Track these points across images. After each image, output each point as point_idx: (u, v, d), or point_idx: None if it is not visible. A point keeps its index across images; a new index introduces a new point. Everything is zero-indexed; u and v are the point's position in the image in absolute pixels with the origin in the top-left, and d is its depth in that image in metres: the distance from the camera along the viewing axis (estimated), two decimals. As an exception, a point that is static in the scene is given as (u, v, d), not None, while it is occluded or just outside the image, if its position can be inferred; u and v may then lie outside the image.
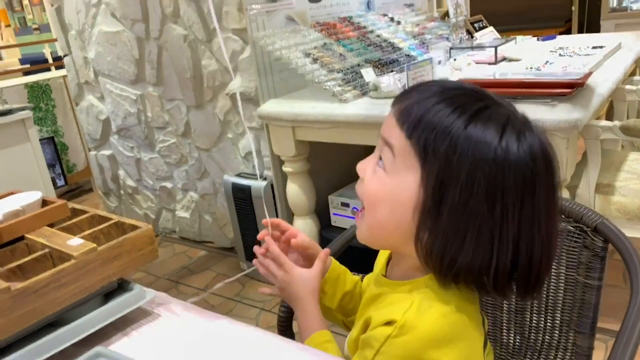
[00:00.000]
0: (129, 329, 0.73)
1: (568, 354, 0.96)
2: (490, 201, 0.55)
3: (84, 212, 0.80)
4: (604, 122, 1.52)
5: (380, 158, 0.61)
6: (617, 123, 1.51)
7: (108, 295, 0.76)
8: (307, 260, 0.84)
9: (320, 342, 0.75)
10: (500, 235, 0.56)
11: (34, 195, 0.79)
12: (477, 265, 0.57)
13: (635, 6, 3.67)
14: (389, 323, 0.59)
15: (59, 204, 0.77)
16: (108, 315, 0.71)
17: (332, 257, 0.88)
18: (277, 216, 2.18)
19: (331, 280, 0.85)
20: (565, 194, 1.55)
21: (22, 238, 0.73)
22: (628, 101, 1.95)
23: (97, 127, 2.87)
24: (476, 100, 0.58)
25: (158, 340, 0.70)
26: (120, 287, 0.77)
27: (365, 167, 0.64)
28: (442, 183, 0.56)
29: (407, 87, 0.64)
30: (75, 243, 0.67)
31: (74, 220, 0.77)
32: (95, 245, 0.67)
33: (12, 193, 0.83)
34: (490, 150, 0.54)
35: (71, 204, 0.83)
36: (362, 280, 0.90)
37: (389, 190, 0.60)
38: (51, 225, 0.75)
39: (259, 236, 0.84)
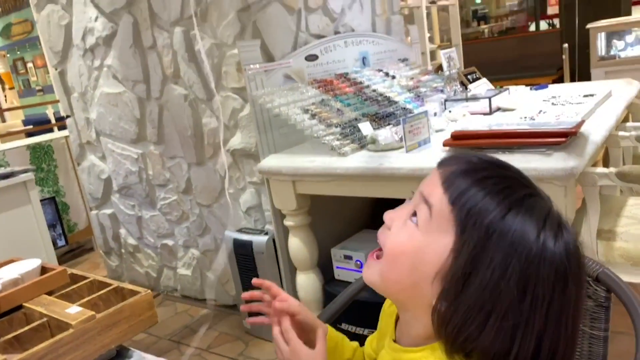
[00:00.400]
0: (127, 398, 0.72)
1: (580, 408, 0.93)
2: (522, 290, 0.55)
3: (84, 278, 0.80)
4: (600, 169, 1.54)
5: (414, 214, 0.62)
6: (613, 170, 1.52)
7: (107, 363, 0.74)
8: (297, 327, 0.79)
9: None
10: (526, 325, 0.55)
11: (33, 263, 0.79)
12: (495, 351, 0.56)
13: (622, 54, 3.79)
14: None
15: (58, 271, 0.77)
16: (106, 385, 0.69)
17: (328, 325, 0.86)
18: (279, 271, 2.16)
19: (330, 350, 0.82)
20: (567, 241, 1.54)
21: (20, 307, 0.72)
22: (622, 147, 1.97)
23: (99, 186, 2.89)
24: (523, 187, 0.60)
25: (157, 410, 0.68)
26: (119, 354, 0.76)
27: (394, 217, 0.65)
28: (476, 258, 0.56)
29: (450, 155, 0.66)
30: (73, 311, 0.67)
31: (73, 287, 0.77)
32: (93, 312, 0.67)
33: (12, 261, 0.83)
34: (529, 241, 0.55)
35: (70, 270, 0.83)
36: (361, 345, 0.89)
37: (417, 246, 0.60)
38: (50, 293, 0.75)
39: (242, 295, 0.83)
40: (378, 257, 0.66)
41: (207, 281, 2.63)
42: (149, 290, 0.73)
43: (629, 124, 2.09)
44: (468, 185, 0.58)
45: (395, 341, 0.70)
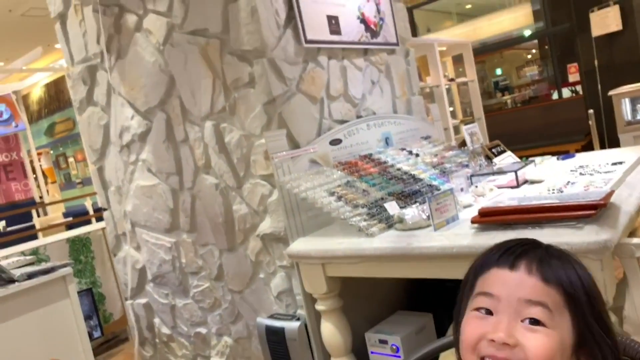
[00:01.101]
0: None
1: None
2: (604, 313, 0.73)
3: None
4: (636, 240, 1.49)
5: (531, 320, 0.68)
6: (650, 239, 1.47)
7: None
8: None
9: None
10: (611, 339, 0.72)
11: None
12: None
13: (649, 117, 3.77)
14: None
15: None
16: None
17: None
18: (313, 358, 2.11)
19: None
20: (612, 317, 1.47)
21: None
22: (660, 213, 1.91)
23: (134, 276, 2.94)
24: (554, 247, 0.76)
25: None
26: None
27: (510, 333, 0.68)
28: (585, 318, 0.70)
29: (493, 253, 0.77)
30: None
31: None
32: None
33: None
34: (586, 270, 0.74)
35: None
36: None
37: (558, 340, 0.68)
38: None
39: None
40: None
41: (241, 370, 2.57)
42: (178, 391, 0.73)
43: (663, 189, 2.04)
44: (556, 267, 0.70)
45: None
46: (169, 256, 2.69)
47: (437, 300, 2.21)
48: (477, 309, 0.71)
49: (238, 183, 2.30)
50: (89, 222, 4.50)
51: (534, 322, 0.67)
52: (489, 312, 0.70)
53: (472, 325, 0.71)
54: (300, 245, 2.02)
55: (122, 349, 3.57)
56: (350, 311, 2.08)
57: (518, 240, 0.75)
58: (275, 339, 2.14)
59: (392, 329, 2.04)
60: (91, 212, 4.77)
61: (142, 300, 2.96)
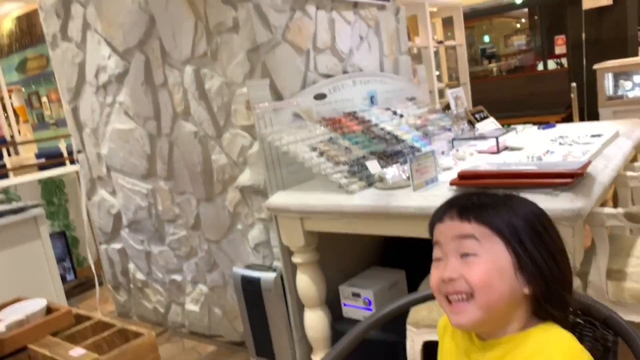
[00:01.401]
0: None
1: None
2: (556, 238, 0.81)
3: (88, 318, 0.81)
4: (608, 210, 1.53)
5: (465, 254, 0.78)
6: (621, 210, 1.51)
7: (109, 404, 0.74)
8: None
9: None
10: (563, 262, 0.80)
11: (39, 304, 0.80)
12: (562, 291, 0.79)
13: (630, 94, 3.80)
14: None
15: (63, 312, 0.78)
16: None
17: None
18: (287, 308, 2.14)
19: None
20: (576, 281, 1.52)
21: (25, 348, 0.73)
22: (631, 187, 1.96)
23: (109, 221, 2.92)
24: (492, 194, 0.85)
25: None
26: (122, 395, 0.75)
27: (454, 269, 0.79)
28: (524, 241, 0.77)
29: (435, 211, 0.86)
30: (77, 354, 0.67)
31: (77, 328, 0.78)
32: (97, 356, 0.67)
33: (17, 300, 0.83)
34: (536, 210, 0.82)
35: (76, 310, 0.84)
36: None
37: (492, 263, 0.77)
38: (55, 334, 0.76)
39: None
40: (463, 300, 0.78)
41: (215, 317, 2.61)
42: (153, 333, 0.74)
43: (638, 164, 2.09)
44: (479, 206, 0.80)
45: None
46: (145, 203, 2.67)
47: (410, 258, 2.25)
48: (435, 259, 0.83)
49: (218, 132, 2.27)
50: (62, 164, 4.41)
51: (468, 255, 0.77)
52: (441, 259, 0.82)
53: (432, 273, 0.83)
54: (280, 198, 2.02)
55: (95, 293, 3.58)
56: (326, 264, 2.11)
57: (450, 198, 0.86)
58: (250, 289, 2.17)
59: (365, 283, 2.08)
60: (65, 154, 4.66)
61: (117, 246, 2.95)
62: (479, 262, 0.77)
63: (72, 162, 3.95)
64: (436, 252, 0.83)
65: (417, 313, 1.66)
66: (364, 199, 1.79)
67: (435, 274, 0.82)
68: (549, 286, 0.77)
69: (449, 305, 0.80)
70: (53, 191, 3.47)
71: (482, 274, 0.76)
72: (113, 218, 2.89)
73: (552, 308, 0.79)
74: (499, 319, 0.79)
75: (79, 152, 2.98)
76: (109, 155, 2.77)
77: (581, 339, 0.91)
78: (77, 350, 0.66)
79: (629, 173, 1.90)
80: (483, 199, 0.82)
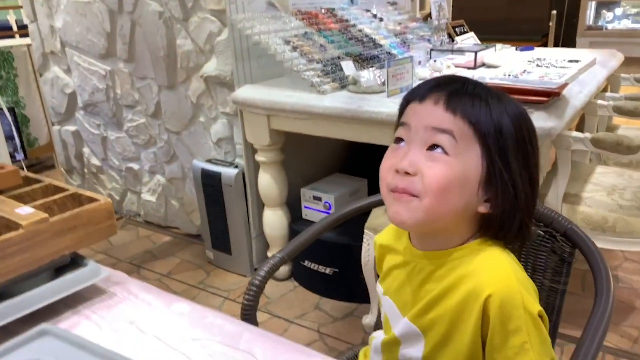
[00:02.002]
0: (80, 307, 0.69)
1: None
2: (534, 152, 0.68)
3: (38, 181, 0.75)
4: (575, 133, 1.54)
5: (434, 146, 0.66)
6: (588, 135, 1.53)
7: (60, 271, 0.71)
8: None
9: None
10: (532, 180, 0.68)
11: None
12: (519, 213, 0.68)
13: (610, 26, 3.76)
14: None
15: (10, 170, 0.72)
16: (58, 291, 0.66)
17: None
18: (247, 205, 2.13)
19: None
20: (533, 201, 1.56)
21: (-33, 203, 0.67)
22: (599, 115, 1.98)
23: (62, 100, 2.76)
24: (483, 86, 0.69)
25: (111, 321, 0.66)
26: (74, 262, 0.72)
27: (413, 161, 0.66)
28: (505, 151, 0.65)
29: (415, 87, 0.71)
30: (24, 212, 0.62)
31: (26, 189, 0.72)
32: (47, 215, 0.62)
33: (-39, 155, 0.77)
34: (526, 114, 0.69)
35: (25, 173, 0.78)
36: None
37: (459, 170, 0.65)
38: (0, 193, 0.70)
39: None
40: (411, 195, 0.66)
41: (171, 209, 2.59)
42: (109, 199, 0.69)
43: (608, 94, 2.10)
44: (467, 102, 0.65)
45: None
46: (102, 84, 2.52)
47: (374, 167, 2.25)
48: (395, 140, 0.70)
49: (185, 15, 2.11)
50: (11, 37, 4.08)
51: (437, 149, 0.65)
52: (401, 143, 0.69)
53: (385, 158, 0.70)
54: (247, 92, 1.93)
55: (47, 176, 3.47)
56: (289, 166, 2.08)
57: (439, 77, 0.72)
58: (210, 183, 2.13)
59: (327, 188, 2.08)
60: (15, 28, 4.30)
61: (71, 128, 2.82)
62: (445, 164, 0.64)
63: (22, 37, 3.65)
64: (400, 132, 0.69)
65: (376, 219, 1.67)
66: (335, 100, 1.73)
67: (390, 159, 0.68)
68: (512, 210, 0.67)
69: (391, 196, 0.67)
70: (1, 64, 3.22)
71: (441, 180, 0.64)
72: (67, 98, 2.73)
73: (505, 233, 0.69)
74: (441, 228, 0.69)
75: (30, 22, 2.73)
76: (64, 30, 2.56)
77: (538, 250, 0.93)
78: (25, 209, 0.61)
79: (599, 101, 1.91)
80: (478, 91, 0.67)
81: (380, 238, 0.84)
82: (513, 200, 0.66)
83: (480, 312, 0.64)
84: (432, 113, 0.66)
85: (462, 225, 0.70)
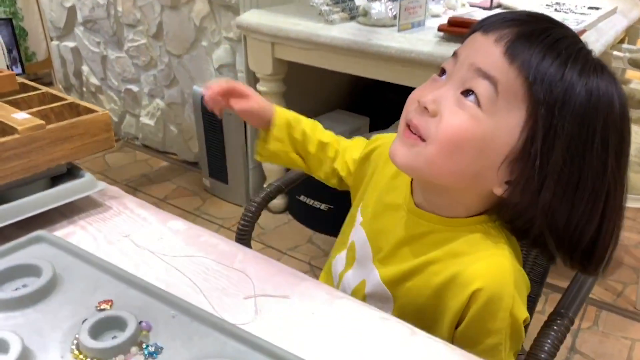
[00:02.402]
0: (76, 218, 0.69)
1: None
2: (614, 158, 0.52)
3: (35, 88, 0.73)
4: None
5: (469, 92, 0.54)
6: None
7: (56, 180, 0.70)
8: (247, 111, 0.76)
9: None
10: (607, 200, 0.53)
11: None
12: (573, 231, 0.55)
13: (634, -25, 3.60)
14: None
15: (7, 74, 0.69)
16: (54, 200, 0.66)
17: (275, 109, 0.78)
18: (245, 137, 2.11)
19: (281, 125, 0.77)
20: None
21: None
22: (613, 67, 1.93)
23: (62, 14, 2.67)
24: (579, 42, 0.55)
25: (106, 233, 0.66)
26: (70, 173, 0.71)
27: (439, 99, 0.55)
28: (556, 132, 0.51)
29: (489, 15, 0.58)
30: (21, 117, 0.61)
31: (22, 95, 0.70)
32: (43, 122, 0.61)
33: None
34: (615, 105, 0.52)
35: (21, 79, 0.75)
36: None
37: (485, 130, 0.53)
38: (-4, 96, 0.68)
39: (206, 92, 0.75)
40: (418, 136, 0.57)
41: (170, 134, 2.56)
42: (107, 111, 0.67)
43: (625, 45, 2.03)
44: (534, 53, 0.52)
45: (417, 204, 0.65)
46: (103, 0, 2.43)
47: (377, 106, 2.22)
48: (440, 71, 0.59)
49: None
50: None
51: (471, 95, 0.53)
52: (443, 76, 0.58)
53: (419, 87, 0.60)
54: (252, 17, 1.86)
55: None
56: (291, 99, 2.04)
57: (523, 11, 0.58)
58: (210, 112, 2.10)
59: (327, 124, 2.02)
60: None
61: (70, 44, 2.74)
62: (470, 117, 0.53)
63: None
64: (446, 63, 0.58)
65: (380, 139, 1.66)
66: (343, 31, 1.68)
67: (422, 89, 0.59)
68: (529, 209, 0.55)
69: (402, 130, 0.59)
70: (-2, -29, 3.08)
71: (457, 132, 0.53)
72: (67, 12, 2.64)
73: (517, 233, 0.60)
74: (442, 189, 0.60)
75: None
76: (65, -62, 2.43)
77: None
78: (21, 114, 0.59)
79: (615, 52, 1.85)
80: (561, 45, 0.52)
81: (385, 146, 0.69)
82: (532, 198, 0.54)
83: (465, 302, 0.58)
84: (486, 51, 0.53)
85: (470, 198, 0.60)
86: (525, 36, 0.53)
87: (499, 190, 0.56)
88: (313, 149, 0.79)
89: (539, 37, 0.53)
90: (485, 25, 0.56)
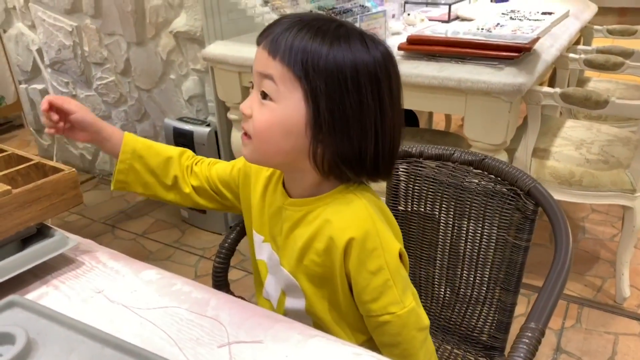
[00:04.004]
0: (49, 277, 0.70)
1: (493, 308, 1.00)
2: (374, 98, 0.66)
3: (1, 150, 0.74)
4: (545, 89, 1.55)
5: (264, 92, 0.66)
6: (558, 90, 1.54)
7: (27, 241, 0.71)
8: (75, 125, 0.80)
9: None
10: (375, 124, 0.67)
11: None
12: (363, 155, 0.67)
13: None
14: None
15: (-30, 141, 0.70)
16: (25, 262, 0.66)
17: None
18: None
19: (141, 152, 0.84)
20: (503, 156, 1.59)
21: None
22: (570, 69, 1.99)
23: (28, 58, 2.66)
24: (330, 21, 0.67)
25: (79, 290, 0.67)
26: (41, 232, 0.72)
27: (250, 105, 0.68)
28: (329, 95, 0.64)
29: (263, 30, 0.70)
30: (-14, 184, 0.62)
31: (-13, 160, 0.71)
32: (9, 187, 0.62)
33: None
34: (365, 58, 0.65)
35: (-14, 142, 0.76)
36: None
37: (281, 114, 0.65)
38: (-40, 164, 0.69)
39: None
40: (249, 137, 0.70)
41: (144, 168, 2.56)
42: (73, 169, 0.69)
43: (580, 46, 2.10)
44: (290, 44, 0.63)
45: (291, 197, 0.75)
46: (69, 41, 2.43)
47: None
48: (251, 85, 0.71)
49: (152, -33, 2.03)
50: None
51: (264, 95, 0.66)
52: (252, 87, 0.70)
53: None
54: (218, 48, 1.89)
55: (16, 135, 3.39)
56: (262, 124, 2.06)
57: (281, 16, 0.70)
58: (182, 142, 2.11)
59: (300, 146, 2.08)
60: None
61: (39, 86, 2.73)
62: (269, 110, 0.66)
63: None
64: (253, 78, 0.70)
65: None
66: (307, 56, 1.71)
67: (243, 102, 0.71)
68: (351, 151, 0.67)
69: (242, 136, 0.71)
70: (-40, 19, 3.06)
71: (262, 124, 0.66)
72: (33, 55, 2.63)
73: (356, 174, 0.70)
74: (291, 169, 0.72)
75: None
76: (25, -17, 2.44)
77: (502, 207, 0.96)
78: (-14, 182, 0.60)
79: (571, 55, 1.92)
80: (307, 31, 0.64)
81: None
82: (348, 142, 0.66)
83: (342, 256, 0.68)
84: (260, 57, 0.67)
85: (313, 175, 0.70)
86: (278, 35, 0.65)
87: (319, 149, 0.67)
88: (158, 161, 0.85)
89: (289, 30, 0.65)
90: (258, 40, 0.69)
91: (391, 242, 0.70)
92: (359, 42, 0.66)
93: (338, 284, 0.71)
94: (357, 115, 0.65)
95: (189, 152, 0.90)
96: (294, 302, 0.77)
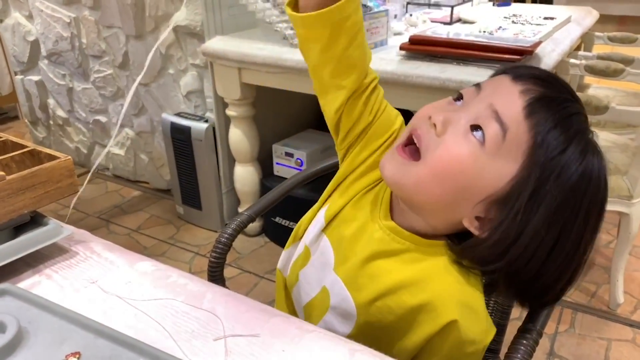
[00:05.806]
0: (41, 266, 0.68)
1: (489, 310, 1.00)
2: (591, 232, 0.56)
3: (-5, 136, 0.72)
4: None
5: (478, 128, 0.55)
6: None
7: (20, 229, 0.69)
8: None
9: None
10: (576, 252, 0.56)
11: None
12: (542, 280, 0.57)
13: (587, -18, 3.73)
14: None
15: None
16: (17, 250, 0.65)
17: None
18: (217, 161, 2.11)
19: None
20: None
21: None
22: (570, 75, 1.99)
23: (25, 49, 2.64)
24: (585, 121, 0.58)
25: (73, 280, 0.65)
26: (34, 221, 0.71)
27: (449, 120, 0.57)
28: (545, 197, 0.54)
29: (522, 65, 0.65)
30: (-21, 169, 0.60)
31: (-19, 145, 0.70)
32: (3, 173, 0.60)
33: None
34: (602, 186, 0.56)
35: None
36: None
37: (479, 169, 0.55)
38: (-47, 148, 0.67)
39: None
40: (411, 154, 0.59)
41: (140, 163, 2.54)
42: (69, 157, 0.67)
43: (581, 52, 2.11)
44: (550, 118, 0.54)
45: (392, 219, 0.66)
46: (67, 33, 2.41)
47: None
48: (456, 97, 0.61)
49: (154, -40, 2.01)
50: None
51: (478, 131, 0.55)
52: (459, 102, 0.60)
53: (432, 104, 0.61)
54: (218, 44, 1.88)
55: (10, 127, 3.36)
56: (261, 121, 2.05)
57: (552, 74, 0.61)
58: (180, 138, 2.10)
59: (299, 144, 2.07)
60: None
61: (35, 78, 2.71)
62: (470, 153, 0.55)
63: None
64: (467, 89, 0.60)
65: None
66: (308, 54, 1.70)
67: (434, 107, 0.60)
68: (492, 252, 0.56)
69: (398, 147, 0.60)
70: (-43, 8, 3.03)
71: (452, 160, 0.55)
72: (30, 46, 2.61)
73: (507, 283, 0.60)
74: (417, 210, 0.62)
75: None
76: (24, -28, 2.42)
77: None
78: (-21, 167, 0.59)
79: (572, 60, 1.92)
80: (573, 120, 0.55)
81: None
82: (499, 243, 0.55)
83: (436, 330, 0.59)
84: (509, 98, 0.55)
85: (438, 221, 0.61)
86: (547, 99, 0.55)
87: (467, 222, 0.58)
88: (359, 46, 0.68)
89: (558, 105, 0.55)
90: (517, 74, 0.58)
91: (489, 336, 0.61)
92: (600, 160, 0.56)
93: (402, 341, 0.62)
94: (568, 245, 0.55)
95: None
96: (336, 324, 0.67)
